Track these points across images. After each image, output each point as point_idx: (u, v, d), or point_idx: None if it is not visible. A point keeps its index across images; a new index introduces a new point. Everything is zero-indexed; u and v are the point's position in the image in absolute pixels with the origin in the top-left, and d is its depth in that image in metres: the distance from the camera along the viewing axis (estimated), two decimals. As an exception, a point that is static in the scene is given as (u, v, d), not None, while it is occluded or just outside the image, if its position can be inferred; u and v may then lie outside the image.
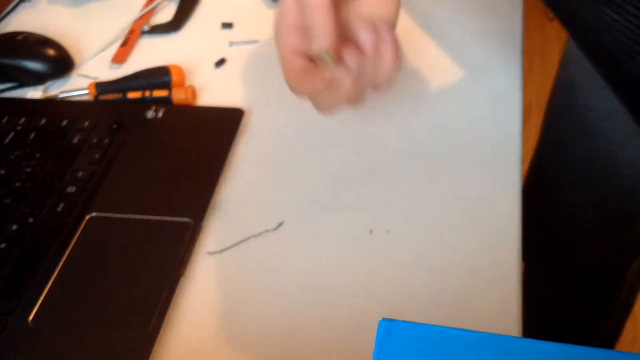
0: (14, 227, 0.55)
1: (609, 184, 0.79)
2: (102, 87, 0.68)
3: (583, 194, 0.82)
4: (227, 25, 0.77)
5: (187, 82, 0.70)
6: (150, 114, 0.65)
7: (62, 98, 0.69)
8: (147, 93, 0.67)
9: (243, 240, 0.54)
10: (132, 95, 0.67)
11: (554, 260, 0.93)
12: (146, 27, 0.77)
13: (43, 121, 0.65)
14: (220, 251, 0.54)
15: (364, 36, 0.46)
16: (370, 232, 0.54)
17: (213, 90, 0.69)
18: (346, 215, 0.56)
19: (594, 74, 0.55)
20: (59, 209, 0.56)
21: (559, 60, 0.80)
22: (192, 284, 0.52)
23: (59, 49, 0.72)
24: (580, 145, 0.79)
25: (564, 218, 0.87)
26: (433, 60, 0.71)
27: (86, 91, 0.69)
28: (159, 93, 0.67)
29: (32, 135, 0.63)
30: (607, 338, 1.05)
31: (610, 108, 0.73)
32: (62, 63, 0.72)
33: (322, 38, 0.45)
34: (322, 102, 0.50)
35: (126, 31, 0.77)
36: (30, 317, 0.49)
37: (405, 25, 0.75)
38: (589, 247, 0.89)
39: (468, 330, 0.31)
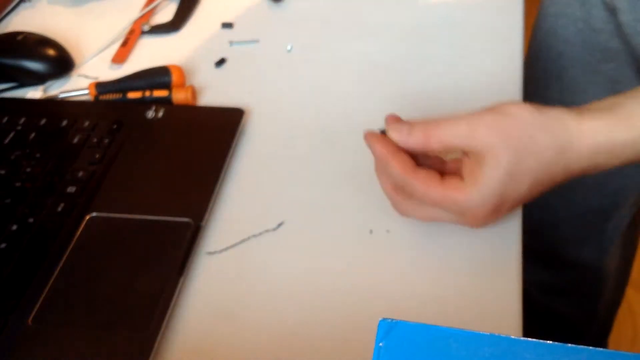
0: (14, 227, 0.55)
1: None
2: (102, 87, 0.68)
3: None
4: (227, 25, 0.77)
5: (187, 82, 0.70)
6: (150, 114, 0.65)
7: (62, 98, 0.69)
8: (147, 93, 0.67)
9: (243, 240, 0.54)
10: (132, 95, 0.67)
11: (536, 254, 0.93)
12: (146, 27, 0.77)
13: (43, 121, 0.65)
14: (220, 251, 0.54)
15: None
16: (370, 232, 0.54)
17: (213, 90, 0.69)
18: (346, 215, 0.56)
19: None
20: (59, 209, 0.56)
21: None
22: (192, 284, 0.52)
23: (59, 49, 0.72)
24: None
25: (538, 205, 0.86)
26: (432, 61, 0.71)
27: (86, 91, 0.69)
28: (159, 93, 0.67)
29: (32, 135, 0.63)
30: (596, 338, 1.05)
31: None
32: (62, 63, 0.72)
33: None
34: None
35: (126, 31, 0.77)
36: (30, 317, 0.49)
37: (405, 26, 0.75)
38: (566, 239, 0.88)
39: (468, 331, 0.31)
